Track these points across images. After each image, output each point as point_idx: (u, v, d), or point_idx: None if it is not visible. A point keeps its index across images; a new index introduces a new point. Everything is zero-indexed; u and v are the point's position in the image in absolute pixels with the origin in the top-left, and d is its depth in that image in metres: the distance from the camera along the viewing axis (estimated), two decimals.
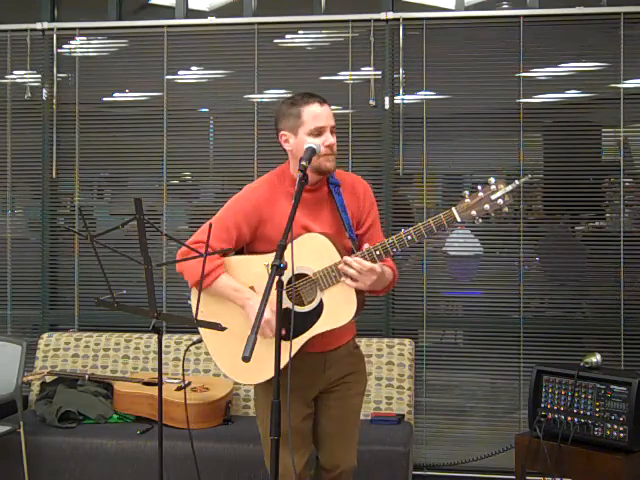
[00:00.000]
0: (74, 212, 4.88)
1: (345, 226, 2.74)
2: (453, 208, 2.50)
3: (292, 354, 2.42)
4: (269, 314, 2.58)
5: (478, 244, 4.62)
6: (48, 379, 4.32)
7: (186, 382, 4.14)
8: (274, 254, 2.34)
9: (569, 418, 3.40)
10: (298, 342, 2.66)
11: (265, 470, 2.78)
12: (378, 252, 2.60)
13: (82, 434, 3.93)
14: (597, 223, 4.60)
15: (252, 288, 2.75)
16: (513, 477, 3.59)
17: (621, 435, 3.25)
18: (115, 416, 4.12)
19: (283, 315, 2.36)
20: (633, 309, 4.38)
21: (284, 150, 2.81)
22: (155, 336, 2.80)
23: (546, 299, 4.61)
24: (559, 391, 3.47)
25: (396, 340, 4.33)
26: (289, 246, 2.39)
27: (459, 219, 2.51)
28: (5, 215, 4.88)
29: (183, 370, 3.24)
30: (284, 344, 2.36)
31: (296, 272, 2.65)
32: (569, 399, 3.42)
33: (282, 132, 2.76)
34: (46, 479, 3.88)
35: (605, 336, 4.42)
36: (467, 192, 2.50)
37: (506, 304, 4.51)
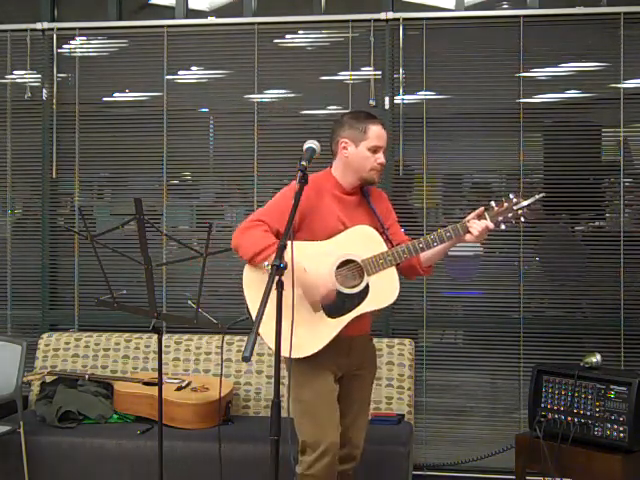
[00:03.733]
0: (74, 212, 4.87)
1: (379, 224, 3.12)
2: (485, 213, 3.00)
3: (337, 332, 2.89)
4: (331, 285, 2.92)
5: (478, 244, 4.61)
6: (48, 379, 4.32)
7: (186, 382, 4.14)
8: (324, 242, 2.93)
9: (569, 418, 3.40)
10: (344, 320, 2.93)
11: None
12: (421, 245, 2.99)
13: (82, 434, 3.93)
14: (597, 223, 4.60)
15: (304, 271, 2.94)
16: (513, 477, 3.60)
17: (621, 435, 3.26)
18: (115, 416, 4.12)
19: (336, 296, 2.89)
20: (633, 309, 4.38)
21: (332, 154, 3.12)
22: (155, 336, 2.80)
23: (546, 299, 4.61)
24: (559, 391, 3.47)
25: (396, 340, 4.32)
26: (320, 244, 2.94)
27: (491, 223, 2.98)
28: (5, 215, 4.88)
29: (222, 361, 3.26)
30: (329, 322, 2.87)
31: (344, 259, 2.97)
32: (569, 399, 3.42)
33: (343, 139, 3.07)
34: (46, 479, 3.88)
35: (605, 336, 4.42)
36: (494, 202, 3.01)
37: (506, 304, 4.51)
